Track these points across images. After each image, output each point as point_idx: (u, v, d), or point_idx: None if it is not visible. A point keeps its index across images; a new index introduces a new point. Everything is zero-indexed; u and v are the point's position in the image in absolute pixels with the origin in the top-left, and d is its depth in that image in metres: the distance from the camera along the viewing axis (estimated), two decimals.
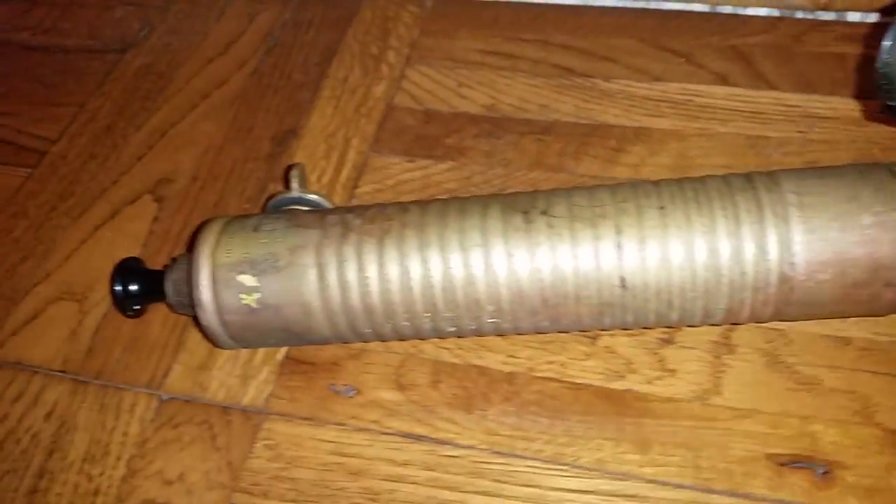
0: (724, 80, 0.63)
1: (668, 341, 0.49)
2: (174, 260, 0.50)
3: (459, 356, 0.50)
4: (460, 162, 0.61)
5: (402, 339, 0.47)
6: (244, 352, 0.52)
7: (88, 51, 0.75)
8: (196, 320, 0.48)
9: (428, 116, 0.64)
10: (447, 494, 0.45)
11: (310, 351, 0.51)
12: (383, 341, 0.49)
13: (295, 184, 0.51)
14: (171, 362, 0.52)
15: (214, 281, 0.46)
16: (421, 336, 0.47)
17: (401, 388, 0.49)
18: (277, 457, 0.47)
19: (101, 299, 0.56)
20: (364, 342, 0.49)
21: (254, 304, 0.45)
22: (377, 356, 0.50)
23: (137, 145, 0.66)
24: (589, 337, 0.49)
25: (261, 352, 0.52)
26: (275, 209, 0.52)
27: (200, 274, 0.46)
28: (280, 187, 0.60)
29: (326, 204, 0.52)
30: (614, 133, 0.61)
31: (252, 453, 0.47)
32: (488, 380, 0.49)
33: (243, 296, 0.45)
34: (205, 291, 0.46)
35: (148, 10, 0.78)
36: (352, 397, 0.49)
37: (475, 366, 0.49)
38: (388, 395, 0.49)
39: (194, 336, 0.53)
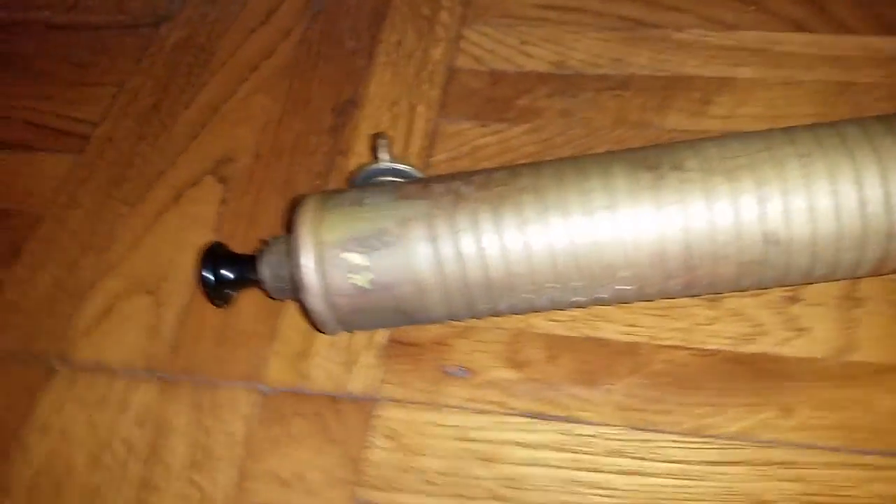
0: (799, 26, 0.60)
1: (793, 299, 0.46)
2: (267, 242, 0.46)
3: (574, 329, 0.46)
4: (536, 123, 0.57)
5: (520, 312, 0.44)
6: (343, 337, 0.48)
7: (119, 27, 0.69)
8: (300, 305, 0.44)
9: (494, 77, 0.60)
10: (588, 476, 0.42)
11: (412, 331, 0.48)
12: (498, 316, 0.45)
13: (384, 154, 0.47)
14: (266, 352, 0.48)
15: (320, 261, 0.42)
16: (540, 309, 0.43)
17: (517, 365, 0.46)
18: (399, 446, 0.44)
19: (177, 290, 0.51)
20: (477, 319, 0.45)
21: (364, 285, 0.41)
22: (486, 333, 0.47)
23: (189, 124, 0.60)
24: (711, 300, 0.46)
25: (361, 336, 0.48)
26: (363, 182, 0.48)
27: (304, 255, 0.42)
28: (347, 160, 0.56)
29: (418, 174, 0.48)
30: (696, 84, 0.57)
31: (370, 444, 0.44)
32: (609, 352, 0.46)
33: (352, 276, 0.41)
34: (311, 273, 0.42)
35: None
36: (466, 378, 0.45)
37: (593, 338, 0.46)
38: (505, 373, 0.45)
39: (288, 323, 0.49)
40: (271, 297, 0.47)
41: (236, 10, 0.69)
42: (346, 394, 0.46)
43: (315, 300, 0.42)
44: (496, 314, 0.43)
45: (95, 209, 0.57)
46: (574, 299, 0.42)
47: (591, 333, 0.46)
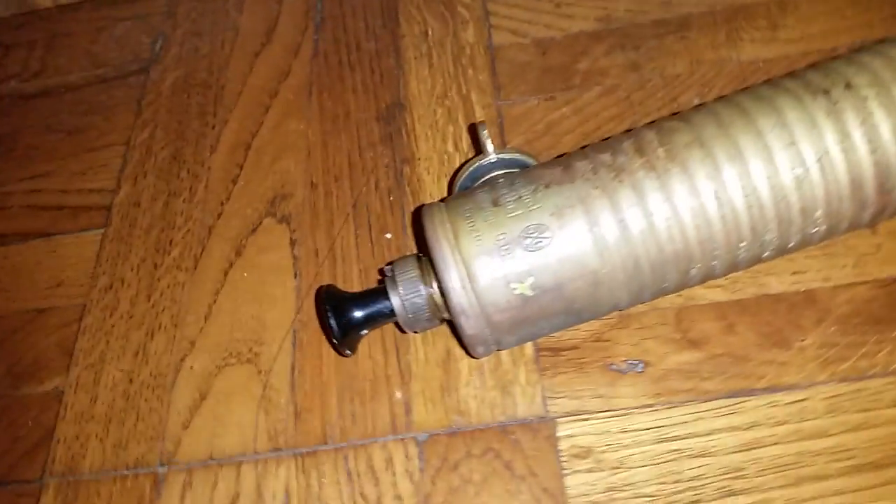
0: None
1: None
2: (389, 270, 0.39)
3: (739, 291, 0.41)
4: (607, 84, 0.51)
5: (701, 282, 0.38)
6: (486, 360, 0.41)
7: (101, 81, 0.61)
8: (454, 331, 0.37)
9: (541, 47, 0.54)
10: (817, 444, 0.36)
11: (562, 335, 0.42)
12: (675, 293, 0.39)
13: (490, 145, 0.41)
14: (405, 396, 0.41)
15: (471, 278, 0.35)
16: (718, 275, 0.38)
17: (693, 344, 0.40)
18: (597, 464, 0.38)
19: (276, 350, 0.44)
20: (654, 300, 0.39)
21: (528, 292, 0.35)
22: (646, 318, 0.41)
23: (223, 168, 0.53)
24: (866, 229, 0.41)
25: (506, 354, 0.42)
26: (471, 181, 0.41)
27: (450, 274, 0.35)
28: (416, 166, 0.49)
29: (532, 160, 0.41)
30: (758, 12, 0.53)
31: (564, 469, 0.38)
32: (787, 306, 0.40)
33: (515, 285, 0.35)
34: (462, 294, 0.35)
35: (152, 20, 0.64)
36: (642, 371, 0.40)
37: (764, 296, 0.41)
38: (684, 356, 0.40)
39: (416, 358, 0.42)
40: (402, 331, 0.40)
41: (230, 36, 0.61)
42: (515, 420, 0.39)
43: (472, 322, 0.36)
44: (679, 289, 0.38)
45: (146, 284, 0.48)
46: (765, 254, 0.37)
47: (760, 291, 0.41)
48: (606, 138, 0.39)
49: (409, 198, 0.49)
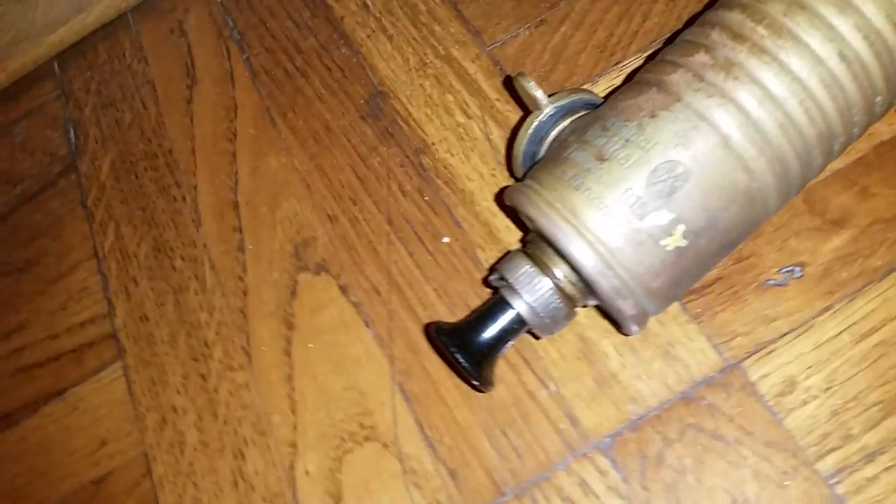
0: None
1: None
2: (498, 276, 0.32)
3: (852, 151, 0.35)
4: None
5: (839, 156, 0.32)
6: (639, 338, 0.35)
7: (28, 199, 0.49)
8: (610, 318, 0.30)
9: None
10: None
11: None
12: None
13: (542, 95, 0.33)
14: (562, 406, 0.34)
15: (608, 252, 0.29)
16: (857, 138, 0.32)
17: (838, 225, 0.34)
18: (808, 393, 0.32)
19: (394, 415, 0.36)
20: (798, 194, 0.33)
21: (682, 242, 0.29)
22: (775, 218, 0.35)
23: (220, 239, 0.43)
24: None
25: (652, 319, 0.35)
26: (536, 145, 0.34)
27: (588, 255, 0.29)
28: (432, 159, 0.41)
29: (596, 97, 0.34)
30: None
31: (777, 413, 0.32)
32: None
33: (665, 240, 0.28)
34: (613, 274, 0.29)
35: (50, 110, 0.52)
36: (801, 276, 0.34)
37: (881, 144, 0.35)
38: (834, 241, 0.34)
39: (550, 360, 0.35)
40: (538, 337, 0.33)
41: (148, 92, 0.50)
42: (697, 383, 0.33)
43: (631, 301, 0.29)
44: (813, 178, 0.32)
45: (204, 401, 0.39)
46: None
47: (873, 142, 0.35)
48: (675, 38, 0.32)
49: (446, 189, 0.40)
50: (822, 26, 0.29)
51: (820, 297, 0.33)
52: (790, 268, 0.34)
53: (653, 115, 0.29)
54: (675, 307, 0.35)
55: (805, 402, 0.32)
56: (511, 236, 0.39)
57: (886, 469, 0.30)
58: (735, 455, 0.32)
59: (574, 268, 0.30)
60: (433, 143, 0.42)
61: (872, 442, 0.31)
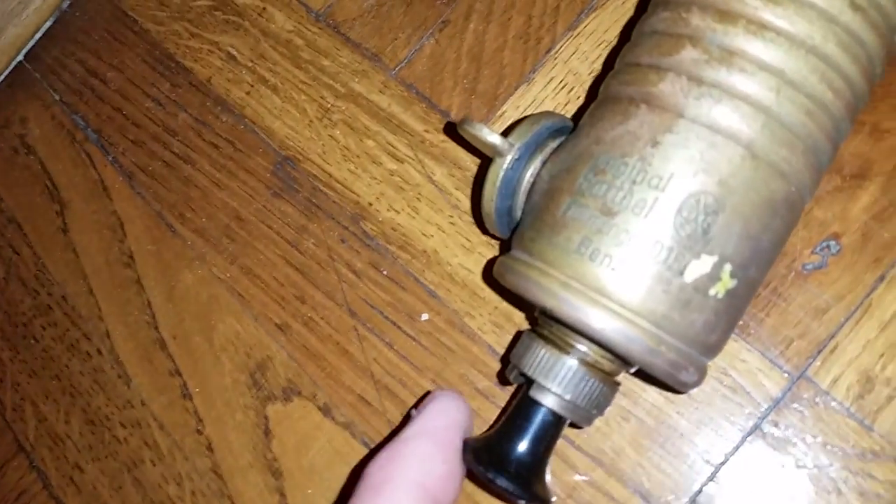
0: None
1: None
2: (512, 377, 0.26)
3: None
4: None
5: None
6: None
7: None
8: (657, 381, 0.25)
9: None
10: None
11: None
12: None
13: (496, 139, 0.27)
14: (637, 483, 0.29)
15: (660, 323, 0.23)
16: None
17: (860, 178, 0.30)
18: (889, 385, 0.27)
19: None
20: None
21: (731, 283, 0.23)
22: None
23: (157, 391, 0.36)
24: None
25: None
26: (509, 199, 0.27)
27: (635, 338, 0.23)
28: (367, 219, 0.34)
29: (565, 120, 0.28)
30: None
31: (864, 420, 0.27)
32: None
33: (714, 289, 0.23)
34: (665, 348, 0.23)
35: None
36: (839, 250, 0.29)
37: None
38: (862, 199, 0.29)
39: (620, 440, 0.30)
40: (580, 426, 0.28)
41: (13, 236, 0.41)
42: (770, 406, 0.28)
43: (693, 370, 0.24)
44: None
45: None
46: None
47: None
48: (631, 27, 0.26)
49: (404, 255, 0.34)
50: None
51: (867, 267, 0.29)
52: (825, 244, 0.29)
53: (655, 143, 0.23)
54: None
55: (891, 398, 0.27)
56: (496, 293, 0.32)
57: None
58: (828, 481, 0.27)
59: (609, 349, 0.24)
60: (370, 204, 0.35)
61: None
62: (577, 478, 0.30)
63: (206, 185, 0.38)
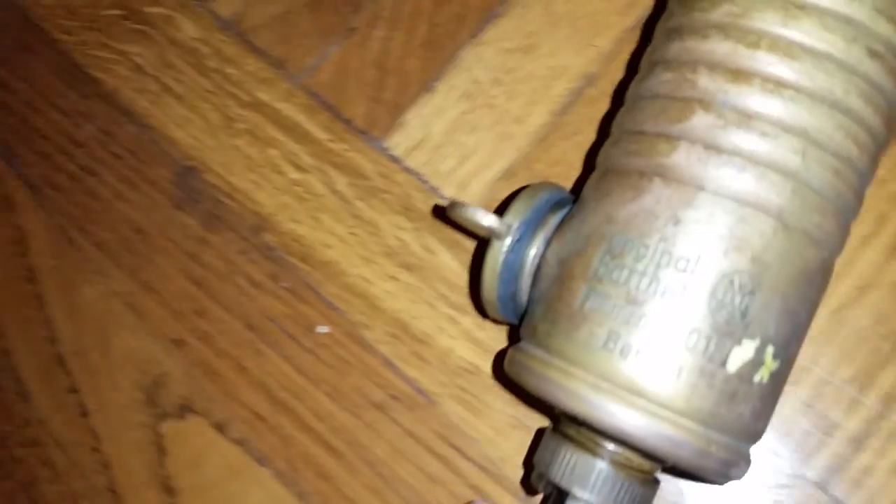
0: None
1: None
2: (539, 486, 0.24)
3: None
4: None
5: None
6: None
7: None
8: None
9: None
10: None
11: None
12: None
13: (491, 219, 0.24)
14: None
15: (707, 421, 0.21)
16: None
17: None
18: None
19: None
20: None
21: (775, 366, 0.22)
22: None
23: (55, 409, 0.35)
24: None
25: None
26: (512, 285, 0.25)
27: (676, 438, 0.21)
28: (258, 236, 0.34)
29: (560, 190, 0.26)
30: None
31: None
32: None
33: (758, 374, 0.21)
34: (712, 446, 0.21)
35: None
36: None
37: None
38: None
39: (485, 437, 0.29)
40: None
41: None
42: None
43: (744, 465, 0.22)
44: None
45: None
46: None
47: None
48: (622, 90, 0.25)
49: (304, 266, 0.33)
50: (836, 25, 0.21)
51: None
52: None
53: (677, 221, 0.21)
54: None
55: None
56: (397, 302, 0.32)
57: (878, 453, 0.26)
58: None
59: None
60: (271, 215, 0.35)
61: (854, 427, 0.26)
62: (477, 482, 0.29)
63: (108, 198, 0.37)
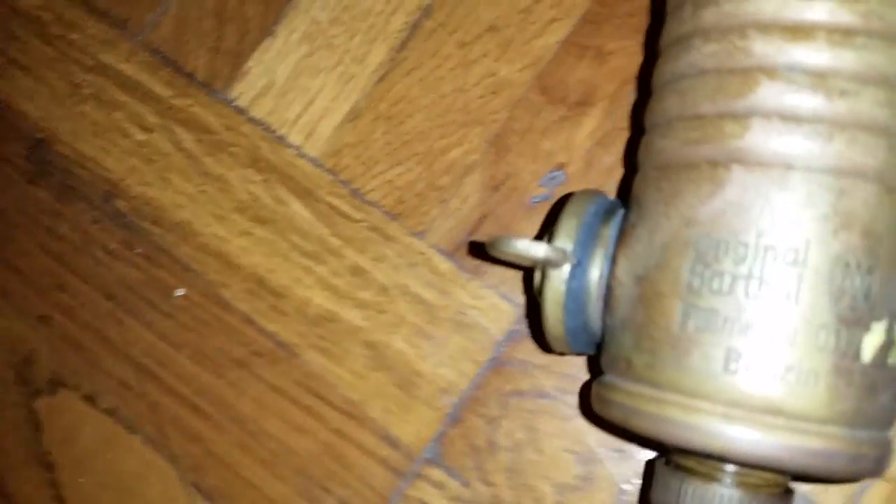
0: None
1: None
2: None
3: None
4: None
5: None
6: (427, 318, 0.29)
7: None
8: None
9: None
10: None
11: None
12: None
13: (539, 249, 0.21)
14: (383, 430, 0.29)
15: (851, 421, 0.19)
16: None
17: None
18: None
19: None
20: None
21: None
22: (519, 124, 0.29)
23: None
24: None
25: (433, 290, 0.29)
26: (580, 318, 0.23)
27: (825, 451, 0.19)
28: (110, 203, 0.33)
29: (599, 195, 0.23)
30: None
31: None
32: None
33: (892, 357, 0.19)
34: (861, 448, 0.19)
35: None
36: (564, 182, 0.28)
37: None
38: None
39: (343, 381, 0.29)
40: None
41: None
42: (504, 339, 0.28)
43: (887, 458, 0.20)
44: None
45: None
46: None
47: None
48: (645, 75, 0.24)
49: (157, 229, 0.33)
50: None
51: None
52: (551, 175, 0.28)
53: (773, 209, 0.19)
54: (450, 268, 0.29)
55: None
56: (253, 257, 0.31)
57: None
58: (564, 407, 0.27)
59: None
60: (121, 180, 0.34)
61: None
62: (339, 426, 0.29)
63: None
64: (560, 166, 0.28)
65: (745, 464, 0.19)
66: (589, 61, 0.29)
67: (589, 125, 0.28)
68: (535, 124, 0.29)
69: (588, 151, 0.28)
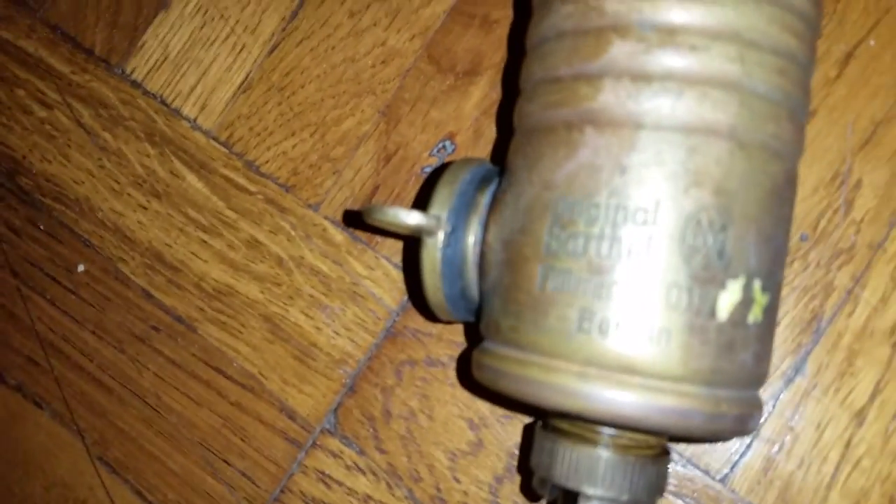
0: None
1: None
2: (537, 491, 0.22)
3: None
4: None
5: None
6: (324, 290, 0.29)
7: None
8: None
9: None
10: None
11: None
12: None
13: (417, 217, 0.21)
14: (281, 401, 0.29)
15: (707, 380, 0.19)
16: None
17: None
18: None
19: None
20: None
21: (765, 300, 0.20)
22: (408, 94, 0.29)
23: None
24: None
25: (327, 261, 0.29)
26: (456, 286, 0.22)
27: (680, 409, 0.19)
28: (12, 180, 0.32)
29: (481, 162, 0.23)
30: None
31: None
32: None
33: (752, 315, 0.19)
34: (721, 406, 0.19)
35: None
36: (453, 151, 0.28)
37: None
38: None
39: (241, 353, 0.29)
40: None
41: None
42: (397, 308, 0.28)
43: (754, 417, 0.20)
44: None
45: None
46: None
47: None
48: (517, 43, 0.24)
49: (58, 206, 0.32)
50: None
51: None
52: (441, 144, 0.28)
53: (623, 169, 0.18)
54: (344, 239, 0.29)
55: None
56: (150, 231, 0.31)
57: None
58: (455, 374, 0.27)
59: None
60: (24, 157, 0.33)
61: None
62: (237, 399, 0.29)
63: None
64: (450, 136, 0.28)
65: (603, 422, 0.20)
66: (475, 30, 0.28)
67: (476, 94, 0.28)
68: (424, 94, 0.28)
69: (476, 120, 0.28)
